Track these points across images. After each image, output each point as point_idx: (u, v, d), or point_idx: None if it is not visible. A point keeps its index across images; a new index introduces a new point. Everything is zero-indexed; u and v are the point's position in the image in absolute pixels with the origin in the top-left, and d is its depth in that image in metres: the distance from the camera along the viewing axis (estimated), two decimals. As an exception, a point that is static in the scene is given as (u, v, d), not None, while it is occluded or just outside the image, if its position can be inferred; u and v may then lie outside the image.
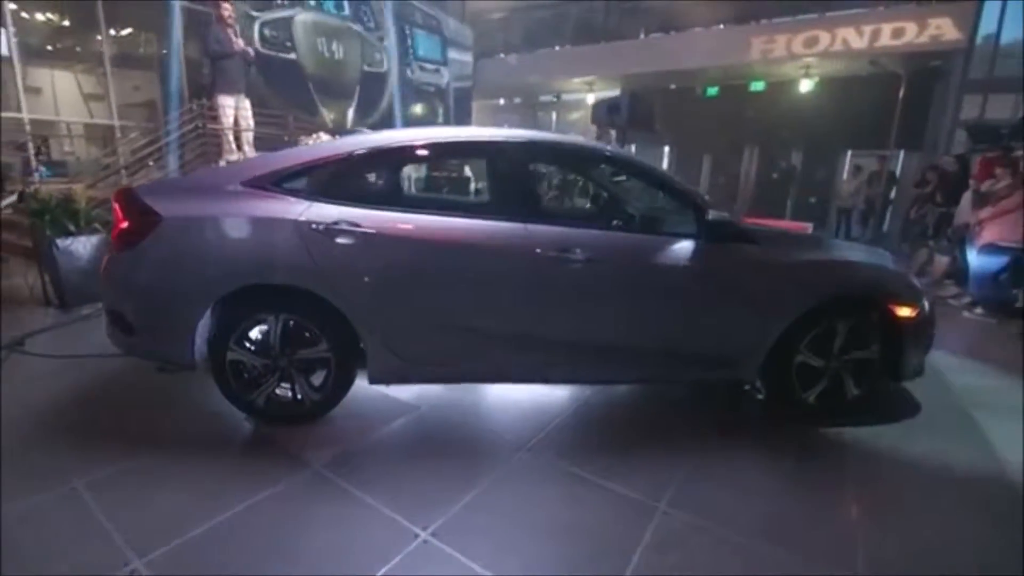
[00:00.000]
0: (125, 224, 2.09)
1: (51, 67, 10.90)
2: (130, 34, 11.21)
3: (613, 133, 8.37)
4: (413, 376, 2.29)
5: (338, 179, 2.18)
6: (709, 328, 2.32)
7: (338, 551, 1.54)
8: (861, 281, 2.43)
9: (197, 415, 2.29)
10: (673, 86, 12.15)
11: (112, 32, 11.25)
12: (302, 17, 9.41)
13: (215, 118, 5.51)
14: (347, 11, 10.32)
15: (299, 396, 2.20)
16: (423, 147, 2.42)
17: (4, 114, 6.98)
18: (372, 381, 2.24)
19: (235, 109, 5.39)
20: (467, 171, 8.42)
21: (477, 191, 7.67)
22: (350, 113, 10.75)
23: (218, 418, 2.24)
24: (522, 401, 2.58)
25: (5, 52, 7.03)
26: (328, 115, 10.09)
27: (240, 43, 5.27)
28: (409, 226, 2.10)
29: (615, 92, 12.42)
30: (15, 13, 10.59)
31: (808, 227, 7.74)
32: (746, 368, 2.39)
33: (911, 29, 7.96)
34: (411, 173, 8.95)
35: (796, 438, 2.32)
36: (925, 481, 2.05)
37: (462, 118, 13.07)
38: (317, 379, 2.22)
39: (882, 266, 2.56)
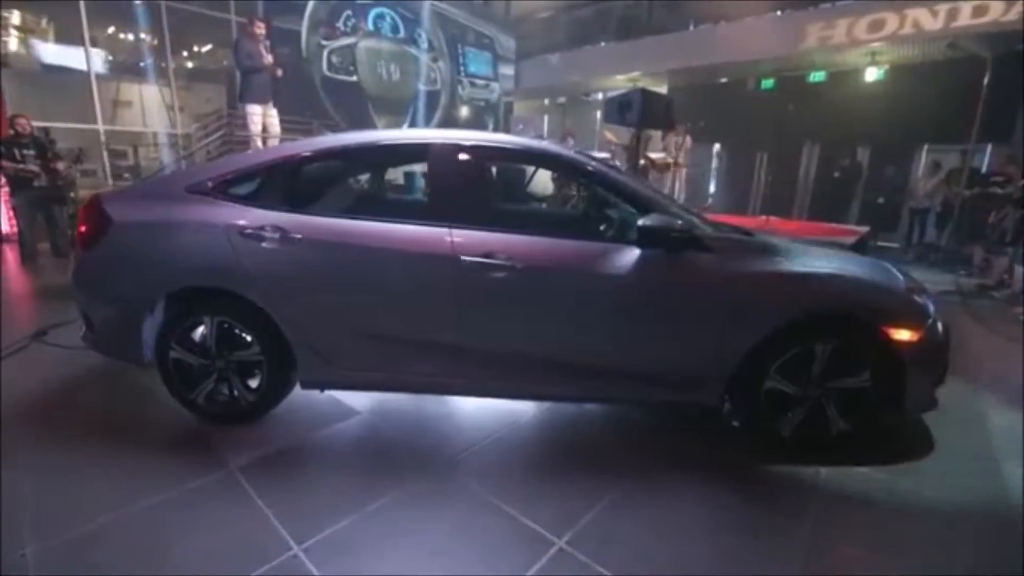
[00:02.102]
0: (83, 228, 2.24)
1: (139, 82, 12.15)
2: (210, 50, 12.48)
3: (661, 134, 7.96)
4: (342, 382, 2.28)
5: (270, 184, 2.21)
6: (653, 345, 2.12)
7: (210, 556, 1.55)
8: (842, 298, 2.11)
9: (157, 410, 2.37)
10: (724, 80, 11.44)
11: (195, 48, 12.59)
12: (364, 44, 10.53)
13: (245, 125, 5.87)
14: (403, 33, 11.22)
15: (236, 396, 2.25)
16: (358, 150, 2.40)
17: (83, 126, 7.86)
18: (303, 386, 2.25)
19: (263, 117, 5.72)
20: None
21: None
22: (405, 128, 11.40)
23: (174, 414, 2.31)
24: (470, 413, 2.49)
25: (85, 67, 7.90)
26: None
27: (269, 58, 5.60)
28: (333, 231, 2.09)
29: (661, 89, 11.92)
30: (113, 35, 12.00)
31: (861, 231, 7.00)
32: (706, 392, 2.16)
33: (995, 6, 6.92)
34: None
35: (758, 477, 2.06)
36: (906, 553, 1.68)
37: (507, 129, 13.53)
38: (255, 381, 2.26)
39: (873, 281, 2.21)
